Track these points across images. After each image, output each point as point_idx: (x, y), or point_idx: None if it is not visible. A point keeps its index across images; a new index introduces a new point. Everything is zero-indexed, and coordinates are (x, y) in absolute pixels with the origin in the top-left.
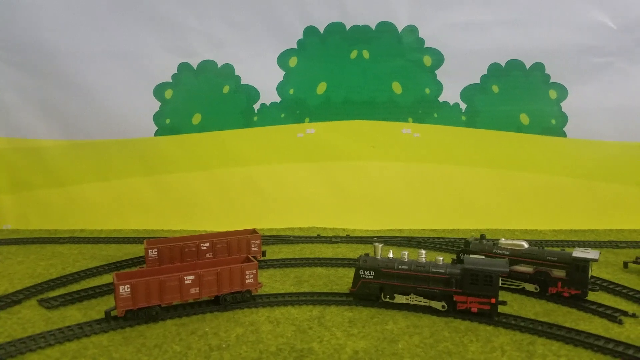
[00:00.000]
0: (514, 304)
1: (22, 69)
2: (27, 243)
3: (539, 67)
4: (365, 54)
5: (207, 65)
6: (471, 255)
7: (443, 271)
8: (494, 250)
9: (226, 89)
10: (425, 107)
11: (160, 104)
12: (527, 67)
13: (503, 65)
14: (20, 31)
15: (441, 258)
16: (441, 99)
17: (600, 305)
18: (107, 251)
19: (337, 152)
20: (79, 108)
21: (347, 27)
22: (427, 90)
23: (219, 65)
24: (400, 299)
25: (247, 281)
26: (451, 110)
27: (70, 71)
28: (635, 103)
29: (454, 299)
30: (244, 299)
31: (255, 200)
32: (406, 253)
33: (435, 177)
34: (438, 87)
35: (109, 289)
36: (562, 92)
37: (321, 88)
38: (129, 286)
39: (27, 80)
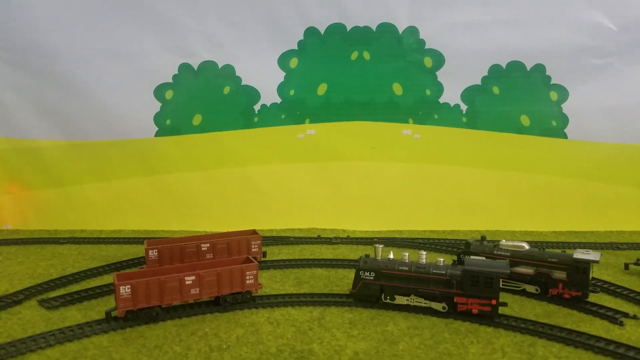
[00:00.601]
0: (514, 306)
1: (22, 69)
2: (27, 243)
3: (539, 68)
4: (366, 55)
5: (208, 66)
6: (472, 257)
7: (444, 272)
8: (495, 252)
9: (227, 90)
10: (425, 108)
11: (160, 104)
12: (528, 68)
13: (504, 67)
14: (20, 31)
15: (442, 259)
16: (442, 100)
17: (601, 307)
18: (107, 252)
19: (338, 153)
20: (80, 108)
21: (348, 28)
22: (428, 92)
23: (220, 66)
24: (400, 300)
25: (248, 282)
26: (452, 111)
27: (71, 71)
28: (635, 103)
29: (455, 300)
30: (244, 300)
31: (255, 201)
32: (407, 254)
33: (435, 178)
34: (438, 88)
35: (109, 290)
36: (563, 93)
37: (322, 89)
38: (129, 287)
39: (28, 80)
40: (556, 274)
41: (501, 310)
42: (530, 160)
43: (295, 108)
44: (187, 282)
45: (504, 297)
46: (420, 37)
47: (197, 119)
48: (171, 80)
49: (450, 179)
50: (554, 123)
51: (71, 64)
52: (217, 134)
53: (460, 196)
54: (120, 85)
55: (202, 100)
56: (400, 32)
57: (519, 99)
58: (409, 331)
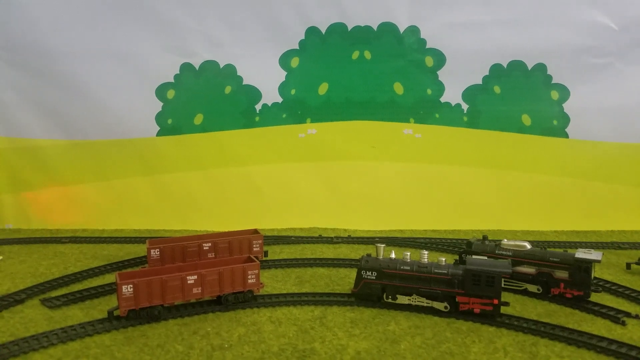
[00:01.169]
0: (516, 305)
1: (22, 69)
2: (29, 242)
3: (540, 67)
4: (367, 55)
5: (209, 66)
6: (473, 256)
7: (445, 272)
8: (496, 251)
9: (228, 90)
10: (426, 108)
11: (162, 104)
12: (529, 67)
13: (505, 66)
14: (20, 31)
15: (443, 259)
16: (443, 99)
17: (603, 306)
18: (109, 251)
19: (339, 153)
20: (80, 108)
21: (349, 28)
22: (429, 91)
23: (221, 66)
24: (402, 299)
25: (249, 281)
26: (453, 110)
27: (71, 71)
28: (635, 103)
29: (457, 299)
30: (246, 299)
31: (256, 200)
32: (408, 254)
33: (437, 177)
34: (439, 88)
35: (111, 289)
36: (564, 93)
37: (323, 88)
38: (131, 286)
39: (28, 80)
40: (558, 273)
41: (503, 309)
42: (531, 160)
43: (296, 107)
44: (189, 282)
45: (505, 296)
46: (421, 37)
47: (198, 119)
48: (172, 80)
49: (451, 178)
50: (555, 122)
51: (71, 63)
52: (218, 134)
53: (462, 195)
54: (121, 85)
55: (204, 100)
56: (401, 32)
57: (520, 98)
58: (410, 330)
